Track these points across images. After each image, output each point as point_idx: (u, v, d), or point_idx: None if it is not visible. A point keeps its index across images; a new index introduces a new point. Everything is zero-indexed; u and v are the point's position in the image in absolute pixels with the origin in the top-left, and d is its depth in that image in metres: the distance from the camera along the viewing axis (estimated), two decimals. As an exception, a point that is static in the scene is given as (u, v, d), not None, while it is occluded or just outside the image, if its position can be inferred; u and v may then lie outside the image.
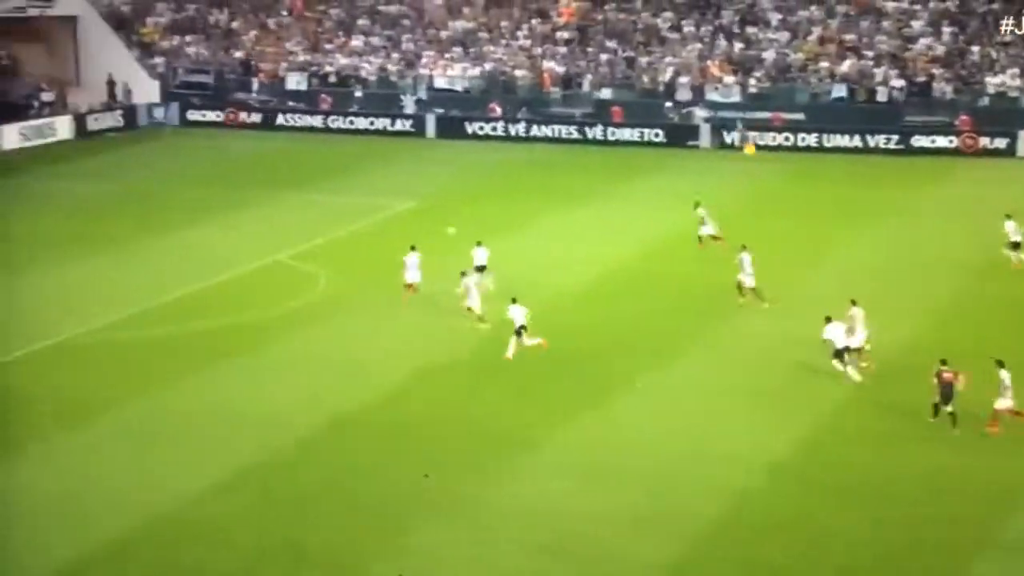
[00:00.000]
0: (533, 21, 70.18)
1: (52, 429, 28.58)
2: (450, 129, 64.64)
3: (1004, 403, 28.01)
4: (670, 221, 43.36)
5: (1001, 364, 28.29)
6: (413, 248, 37.73)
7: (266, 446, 27.83)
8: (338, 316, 36.49)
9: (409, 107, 66.44)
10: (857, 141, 60.04)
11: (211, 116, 67.02)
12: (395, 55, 69.61)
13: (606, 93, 65.13)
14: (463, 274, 35.92)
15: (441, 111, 65.57)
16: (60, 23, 69.88)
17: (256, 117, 66.82)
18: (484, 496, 25.71)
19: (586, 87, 65.71)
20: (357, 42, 70.77)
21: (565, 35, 68.85)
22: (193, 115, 67.22)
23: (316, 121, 66.24)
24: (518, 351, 32.69)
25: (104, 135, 64.22)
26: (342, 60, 69.52)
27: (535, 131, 63.71)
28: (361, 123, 65.75)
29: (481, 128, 64.42)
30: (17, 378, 31.77)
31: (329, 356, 33.39)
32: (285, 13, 73.09)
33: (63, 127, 63.07)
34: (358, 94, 67.42)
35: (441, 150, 61.94)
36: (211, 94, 68.20)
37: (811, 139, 60.69)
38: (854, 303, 32.02)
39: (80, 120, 64.06)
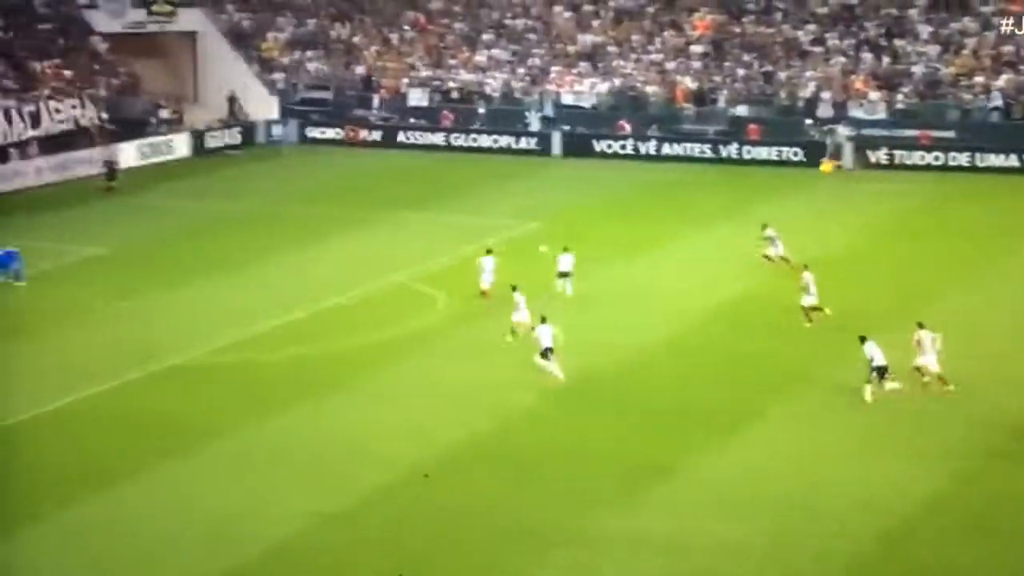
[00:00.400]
0: (665, 34, 69.87)
1: (159, 456, 28.87)
2: (577, 147, 64.53)
3: None
4: (808, 245, 42.71)
5: None
6: (489, 251, 39.25)
7: (380, 476, 27.81)
8: (456, 340, 36.49)
9: (534, 124, 66.51)
10: (1013, 160, 58.59)
11: (330, 133, 67.82)
12: (520, 70, 69.79)
13: (742, 110, 64.51)
14: (514, 288, 35.98)
15: (568, 128, 65.51)
16: (179, 39, 71.38)
17: (376, 134, 67.43)
18: (609, 528, 25.38)
19: (721, 103, 65.17)
20: (481, 57, 71.11)
21: (699, 49, 68.39)
22: (312, 132, 68.09)
23: (438, 139, 66.63)
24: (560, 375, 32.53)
25: (222, 152, 65.37)
26: (465, 75, 69.90)
27: (666, 149, 63.29)
28: (484, 141, 66.00)
29: (609, 146, 64.22)
30: (126, 403, 32.18)
31: (445, 382, 33.37)
32: (408, 27, 73.74)
33: (181, 144, 64.32)
34: (481, 111, 67.72)
35: (567, 169, 61.84)
36: (331, 111, 69.06)
37: (963, 158, 59.38)
38: (921, 326, 31.86)
39: (198, 137, 65.29)
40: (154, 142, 63.08)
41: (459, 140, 66.34)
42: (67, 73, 63.79)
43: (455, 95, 68.90)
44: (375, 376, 33.86)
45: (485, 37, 72.33)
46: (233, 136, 66.93)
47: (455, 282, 41.67)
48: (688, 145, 63.08)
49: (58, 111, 60.70)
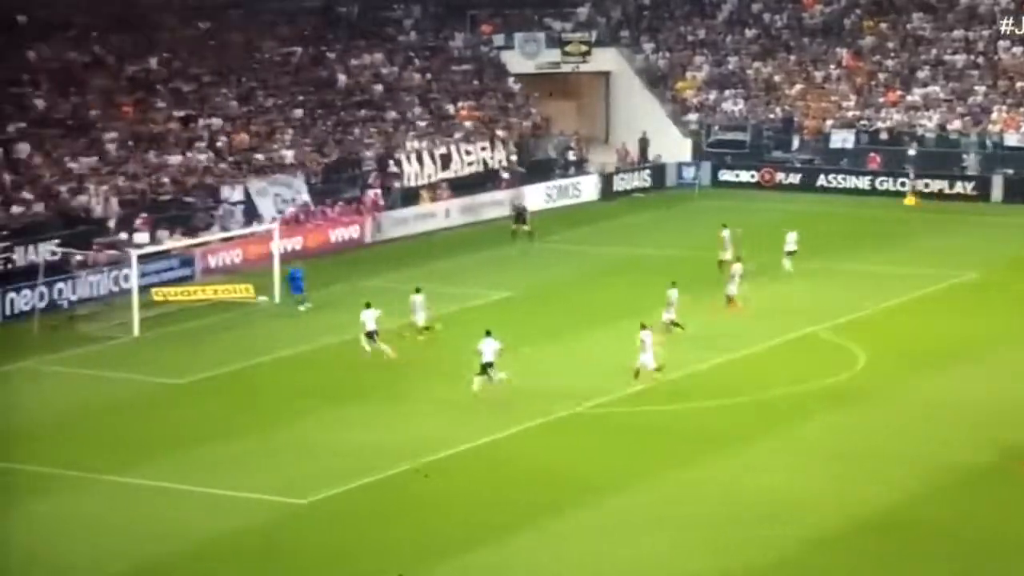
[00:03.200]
0: None
1: (547, 510, 28.76)
2: (1021, 192, 61.35)
3: None
4: None
5: None
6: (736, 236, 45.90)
7: (772, 541, 26.98)
8: (872, 400, 35.12)
9: (972, 167, 63.75)
10: None
11: (745, 176, 67.08)
12: (959, 109, 66.97)
13: None
14: (643, 327, 36.79)
15: (1010, 172, 62.44)
16: (592, 79, 72.47)
17: (795, 177, 66.24)
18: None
19: None
20: (915, 96, 68.68)
21: None
22: (725, 175, 67.54)
23: (862, 183, 64.85)
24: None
25: (630, 196, 65.69)
26: (896, 116, 67.71)
27: None
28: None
29: (1061, 191, 61.00)
30: (519, 453, 32.43)
31: (854, 445, 32.24)
32: (835, 65, 72.15)
33: (589, 187, 65.08)
34: (911, 152, 65.43)
35: (1009, 215, 59.08)
36: (746, 152, 68.33)
37: None
38: (643, 326, 36.31)
39: (607, 180, 65.90)
40: (561, 184, 64.04)
41: (886, 184, 64.32)
42: (479, 115, 65.87)
43: (883, 136, 66.79)
44: (784, 433, 33.01)
45: (920, 75, 69.85)
46: (642, 179, 67.22)
47: (879, 337, 40.16)
48: None
49: (468, 153, 62.67)
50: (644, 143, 69.00)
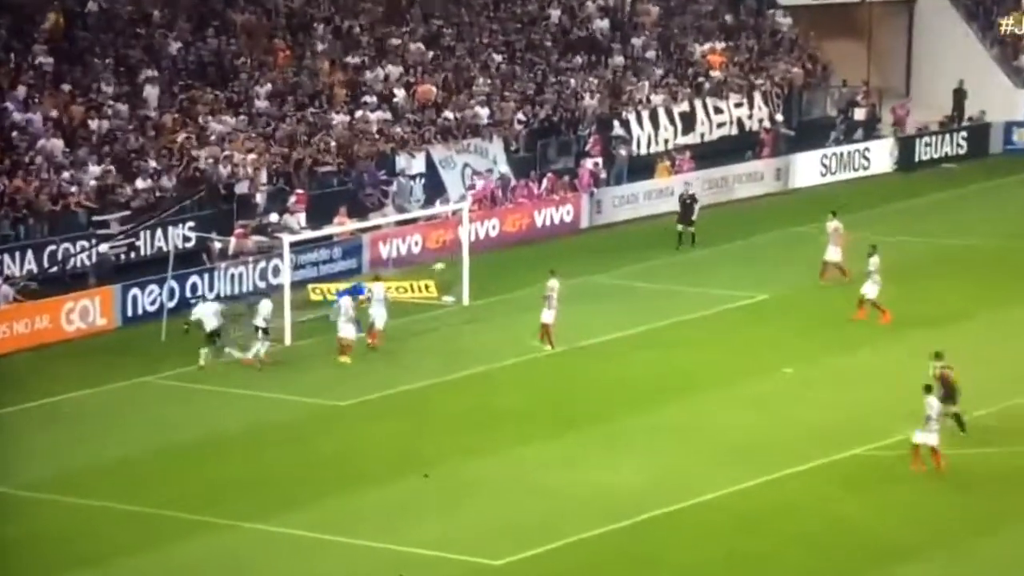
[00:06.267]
0: None
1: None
2: None
3: None
4: None
5: None
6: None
7: None
8: None
9: None
10: None
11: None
12: None
13: None
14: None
15: None
16: (889, 11, 72.69)
17: None
18: None
19: None
20: None
21: None
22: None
23: None
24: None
25: (938, 167, 65.87)
26: None
27: None
28: None
29: None
30: (773, 507, 33.39)
31: None
32: None
33: (880, 155, 65.35)
34: None
35: None
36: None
37: None
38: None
39: (906, 146, 66.08)
40: (843, 152, 64.37)
41: None
42: (734, 60, 66.58)
43: None
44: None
45: None
46: (956, 144, 67.16)
47: None
48: None
49: (718, 110, 63.60)
50: (960, 96, 68.89)
